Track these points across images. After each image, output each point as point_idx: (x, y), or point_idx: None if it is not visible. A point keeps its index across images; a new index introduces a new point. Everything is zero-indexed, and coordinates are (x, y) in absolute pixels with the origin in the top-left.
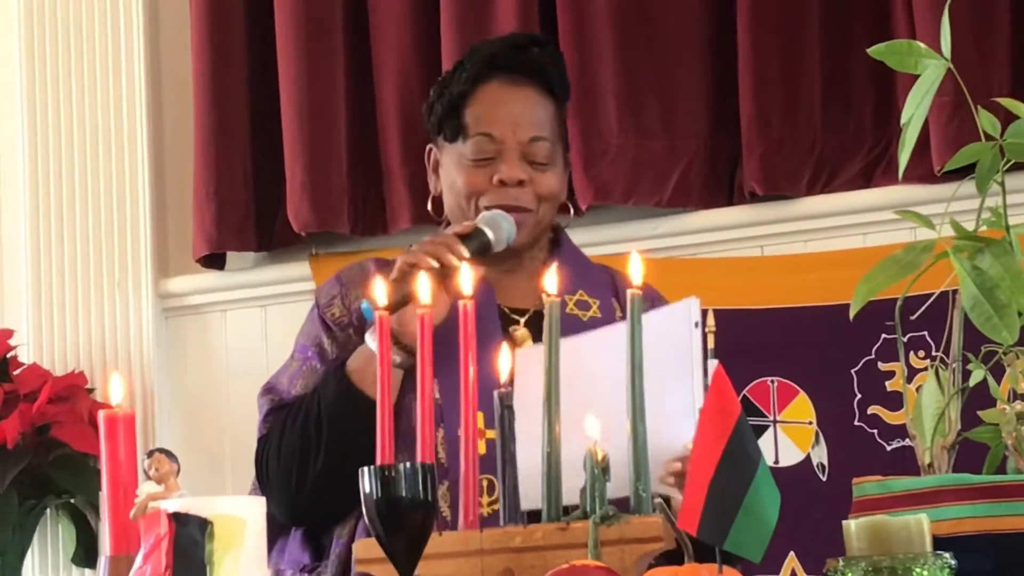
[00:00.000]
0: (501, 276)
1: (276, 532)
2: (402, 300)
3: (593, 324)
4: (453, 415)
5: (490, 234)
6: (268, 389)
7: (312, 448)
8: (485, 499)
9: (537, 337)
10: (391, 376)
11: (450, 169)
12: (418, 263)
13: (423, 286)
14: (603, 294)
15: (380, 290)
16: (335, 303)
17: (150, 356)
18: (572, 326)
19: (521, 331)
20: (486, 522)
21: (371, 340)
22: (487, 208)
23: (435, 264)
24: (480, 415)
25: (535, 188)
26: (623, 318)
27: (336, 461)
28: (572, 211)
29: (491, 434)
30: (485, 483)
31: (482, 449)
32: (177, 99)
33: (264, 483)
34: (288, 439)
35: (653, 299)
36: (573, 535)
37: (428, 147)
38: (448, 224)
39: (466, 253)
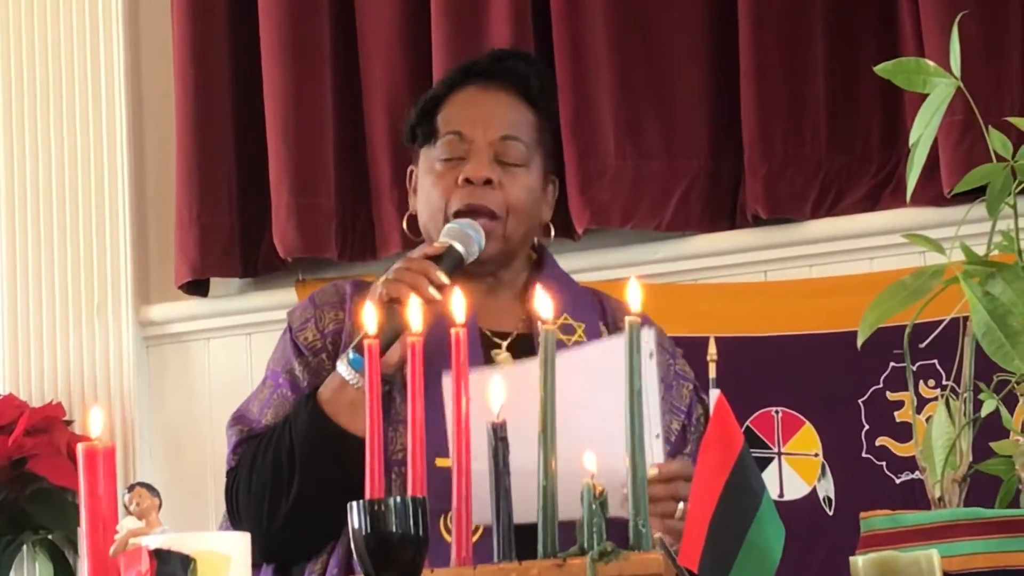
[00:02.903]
0: (481, 297)
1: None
2: (393, 336)
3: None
4: (430, 441)
5: (460, 248)
6: (237, 418)
7: (284, 481)
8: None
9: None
10: (380, 406)
11: (423, 178)
12: (400, 298)
13: (415, 316)
14: (590, 317)
15: (370, 318)
16: (308, 326)
17: (130, 386)
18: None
19: (503, 355)
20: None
21: (342, 367)
22: (455, 213)
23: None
24: None
25: (505, 194)
26: None
27: (309, 493)
28: (552, 233)
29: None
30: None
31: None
32: (159, 120)
33: (235, 517)
34: (259, 472)
35: (643, 324)
36: (570, 572)
37: (409, 169)
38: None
39: (445, 279)
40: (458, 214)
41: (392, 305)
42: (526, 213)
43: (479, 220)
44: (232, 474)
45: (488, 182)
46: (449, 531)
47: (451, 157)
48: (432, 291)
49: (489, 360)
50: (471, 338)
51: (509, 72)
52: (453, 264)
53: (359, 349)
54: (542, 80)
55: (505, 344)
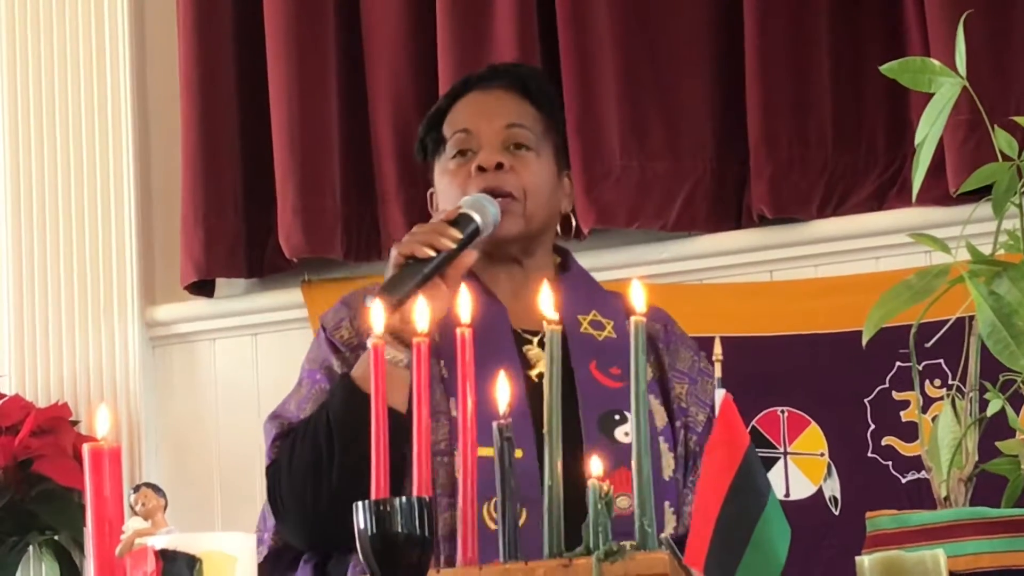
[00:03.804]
0: (510, 297)
1: (283, 569)
2: (408, 295)
3: (609, 344)
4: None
5: (477, 217)
6: (274, 416)
7: (325, 460)
8: None
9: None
10: (387, 412)
11: (439, 182)
12: (414, 253)
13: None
14: (617, 316)
15: (377, 319)
16: (344, 325)
17: (136, 387)
18: (588, 346)
19: (535, 351)
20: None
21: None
22: None
23: (431, 253)
24: None
25: (519, 177)
26: None
27: (351, 470)
28: (574, 226)
29: (515, 453)
30: None
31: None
32: (164, 121)
33: (278, 509)
34: (299, 457)
35: (666, 322)
36: (576, 572)
37: (429, 192)
38: None
39: (459, 234)
40: None
41: (408, 262)
42: (543, 196)
43: (498, 200)
44: (272, 468)
45: (500, 166)
46: (492, 518)
47: (462, 152)
48: (445, 241)
49: (523, 357)
50: (504, 337)
51: (506, 75)
52: (469, 231)
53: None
54: (540, 83)
55: (536, 341)
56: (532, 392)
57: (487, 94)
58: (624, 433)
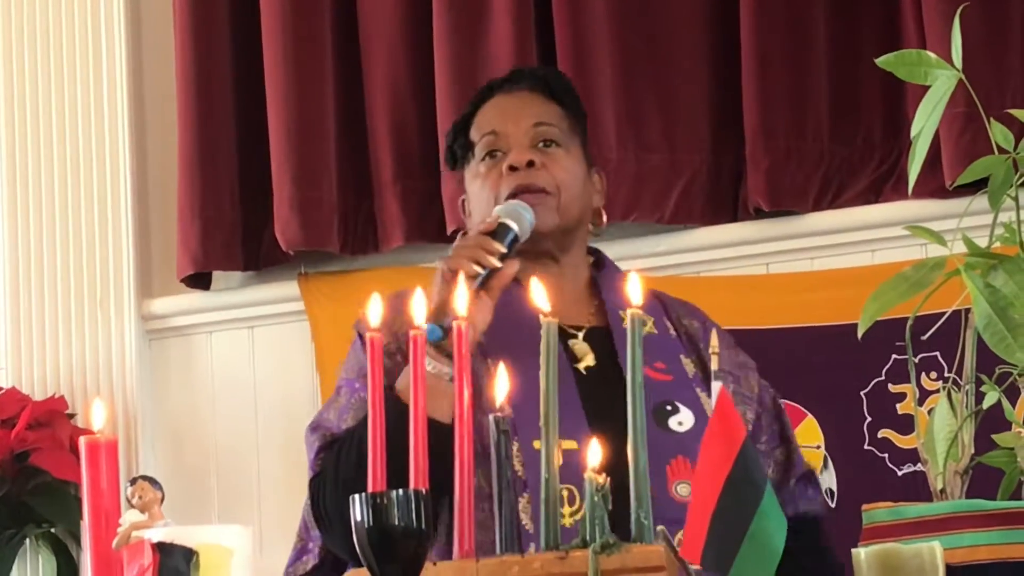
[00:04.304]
0: (550, 294)
1: (327, 571)
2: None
3: (650, 340)
4: (526, 425)
5: (514, 225)
6: (315, 427)
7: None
8: (567, 510)
9: (598, 351)
10: (383, 398)
11: (471, 186)
12: (461, 268)
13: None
14: (656, 314)
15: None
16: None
17: (133, 380)
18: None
19: (580, 345)
20: (568, 533)
21: None
22: (506, 198)
23: (479, 269)
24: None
25: (550, 173)
26: (676, 337)
27: (398, 484)
28: (604, 219)
29: (569, 445)
30: (566, 493)
31: (559, 459)
32: (161, 113)
33: (323, 522)
34: (345, 469)
35: (704, 320)
36: (572, 564)
37: (461, 199)
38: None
39: (503, 248)
40: (510, 198)
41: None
42: (576, 190)
43: (531, 196)
44: (316, 481)
45: (531, 163)
46: (527, 512)
47: (492, 153)
48: (491, 259)
49: (568, 351)
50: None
51: (529, 77)
52: (508, 239)
53: (433, 320)
54: (562, 83)
55: (581, 335)
56: (581, 385)
57: (512, 96)
58: (678, 423)
